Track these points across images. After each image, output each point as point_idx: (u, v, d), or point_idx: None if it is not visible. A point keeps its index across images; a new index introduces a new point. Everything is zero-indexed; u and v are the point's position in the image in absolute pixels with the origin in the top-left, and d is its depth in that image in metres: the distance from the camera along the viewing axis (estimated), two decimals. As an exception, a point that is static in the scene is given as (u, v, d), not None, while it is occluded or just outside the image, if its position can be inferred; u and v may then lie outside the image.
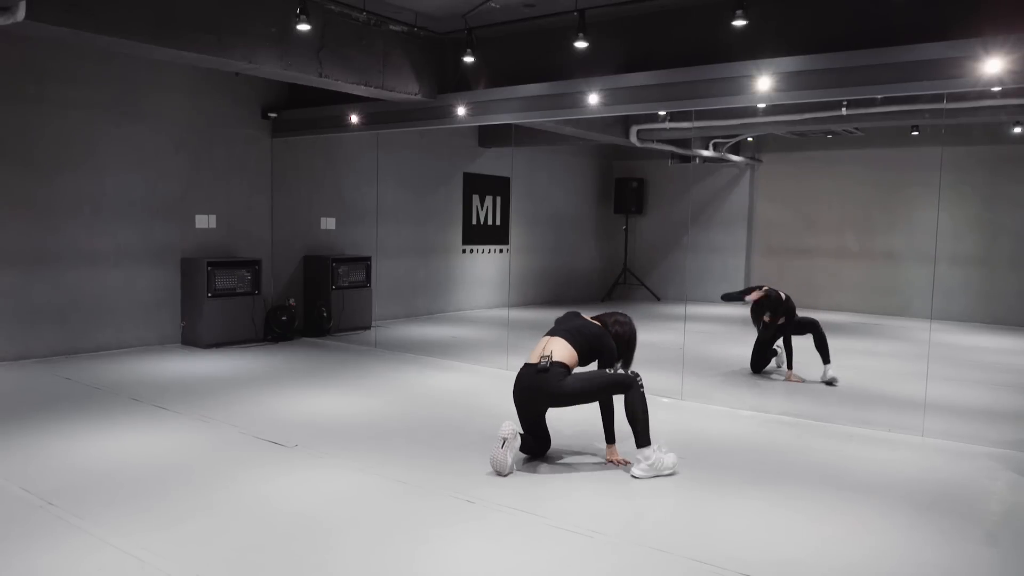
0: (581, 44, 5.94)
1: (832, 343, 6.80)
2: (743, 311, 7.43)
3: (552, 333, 4.42)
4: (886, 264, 11.68)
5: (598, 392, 4.23)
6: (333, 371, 7.02)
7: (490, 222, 11.95)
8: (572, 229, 13.68)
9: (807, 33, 5.46)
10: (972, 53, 4.74)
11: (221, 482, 3.97)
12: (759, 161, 12.87)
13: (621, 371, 4.33)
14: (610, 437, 4.37)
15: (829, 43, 5.28)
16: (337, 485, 4.00)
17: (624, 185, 13.96)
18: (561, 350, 4.27)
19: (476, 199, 11.66)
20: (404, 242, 10.45)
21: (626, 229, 14.05)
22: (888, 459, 4.64)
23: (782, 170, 12.71)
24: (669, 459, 4.21)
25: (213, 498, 3.75)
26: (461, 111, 7.29)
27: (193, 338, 8.01)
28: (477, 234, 11.70)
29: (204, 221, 8.27)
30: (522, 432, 4.30)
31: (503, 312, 10.63)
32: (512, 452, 4.14)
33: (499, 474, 4.11)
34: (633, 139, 10.32)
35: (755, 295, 6.95)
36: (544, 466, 4.34)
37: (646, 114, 9.60)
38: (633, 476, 4.14)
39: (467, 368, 7.29)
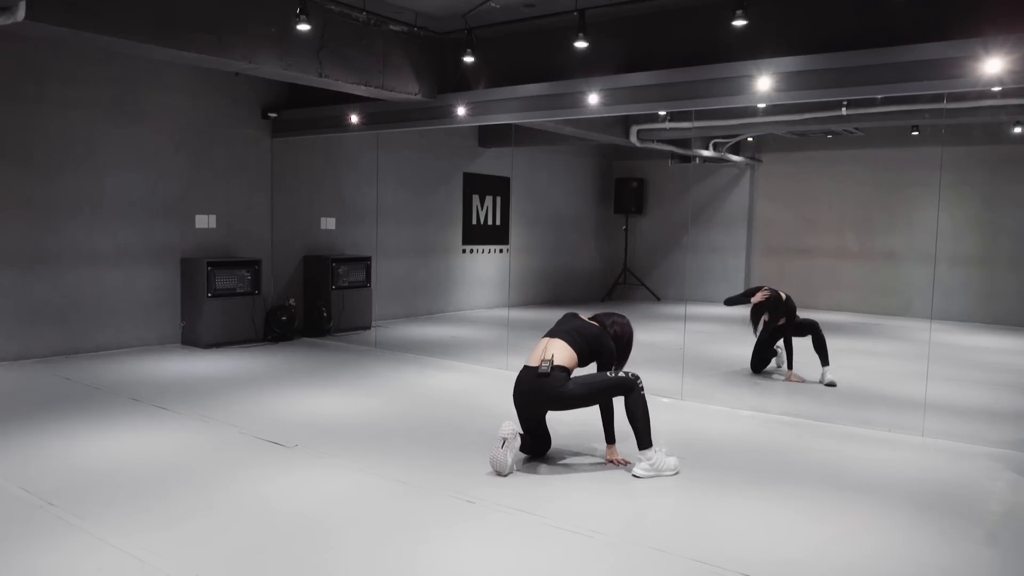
0: (581, 44, 5.94)
1: (832, 343, 6.80)
2: (743, 311, 7.42)
3: (551, 334, 4.42)
4: (886, 264, 11.68)
5: (599, 395, 4.23)
6: (333, 371, 7.02)
7: (490, 222, 11.95)
8: (572, 229, 13.68)
9: (807, 33, 5.46)
10: (972, 53, 4.74)
11: (221, 482, 3.97)
12: (759, 161, 12.87)
13: (620, 372, 4.33)
14: (610, 437, 4.37)
15: (829, 43, 5.28)
16: (337, 485, 4.00)
17: (624, 185, 13.97)
18: (561, 353, 4.26)
19: (476, 199, 11.66)
20: (404, 242, 10.46)
21: (626, 229, 14.05)
22: (888, 459, 4.64)
23: (782, 170, 12.71)
24: (671, 461, 4.22)
25: (213, 498, 3.75)
26: (461, 111, 7.29)
27: (193, 338, 8.01)
28: (477, 234, 11.70)
29: (204, 221, 8.27)
30: (522, 432, 4.31)
31: (503, 312, 10.64)
32: (512, 452, 4.14)
33: (499, 474, 4.11)
34: (633, 139, 10.32)
35: (759, 296, 6.95)
36: (544, 466, 4.34)
37: (646, 114, 9.60)
38: (634, 476, 4.14)
39: (467, 368, 7.29)
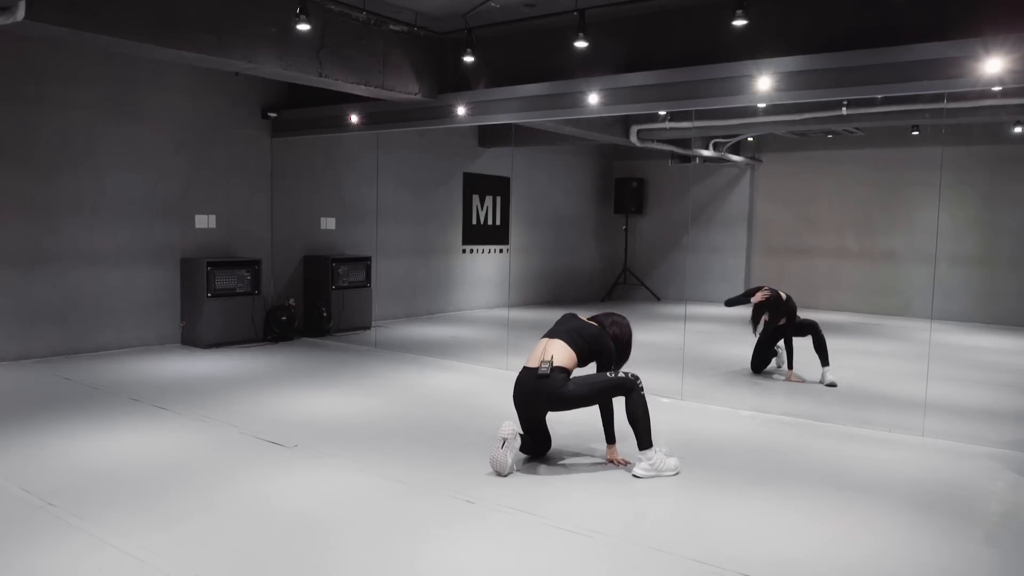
0: (581, 44, 5.94)
1: (832, 343, 6.80)
2: (743, 310, 7.43)
3: (550, 335, 4.42)
4: (886, 264, 11.68)
5: (599, 396, 4.23)
6: (333, 371, 7.02)
7: (490, 222, 11.95)
8: (572, 229, 13.68)
9: (807, 33, 5.46)
10: (972, 53, 4.74)
11: (221, 482, 3.97)
12: (759, 161, 12.87)
13: (620, 373, 4.32)
14: (610, 437, 4.37)
15: (829, 43, 5.28)
16: (337, 485, 4.00)
17: (624, 185, 13.96)
18: (561, 353, 4.26)
19: (476, 199, 11.66)
20: (404, 242, 10.45)
21: (626, 229, 14.05)
22: (888, 459, 4.64)
23: (782, 170, 12.71)
24: (671, 461, 4.22)
25: (213, 498, 3.75)
26: (461, 111, 7.29)
27: (193, 338, 8.01)
28: (477, 234, 11.70)
29: (204, 221, 8.27)
30: (522, 432, 4.31)
31: (503, 312, 10.64)
32: (512, 452, 4.14)
33: (499, 474, 4.11)
34: (633, 139, 10.32)
35: (759, 296, 6.95)
36: (544, 466, 4.34)
37: (646, 114, 9.60)
38: (635, 476, 4.14)
39: (467, 368, 7.29)
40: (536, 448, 4.43)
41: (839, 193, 12.17)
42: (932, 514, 3.74)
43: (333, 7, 6.54)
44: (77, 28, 5.17)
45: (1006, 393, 6.67)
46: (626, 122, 10.21)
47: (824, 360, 6.71)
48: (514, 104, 7.03)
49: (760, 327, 7.00)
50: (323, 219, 9.48)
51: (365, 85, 6.91)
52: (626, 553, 3.23)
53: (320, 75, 6.57)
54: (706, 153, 11.75)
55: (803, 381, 6.77)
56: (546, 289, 12.89)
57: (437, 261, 11.07)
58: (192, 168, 8.14)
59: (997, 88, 6.29)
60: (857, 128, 10.48)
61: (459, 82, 7.35)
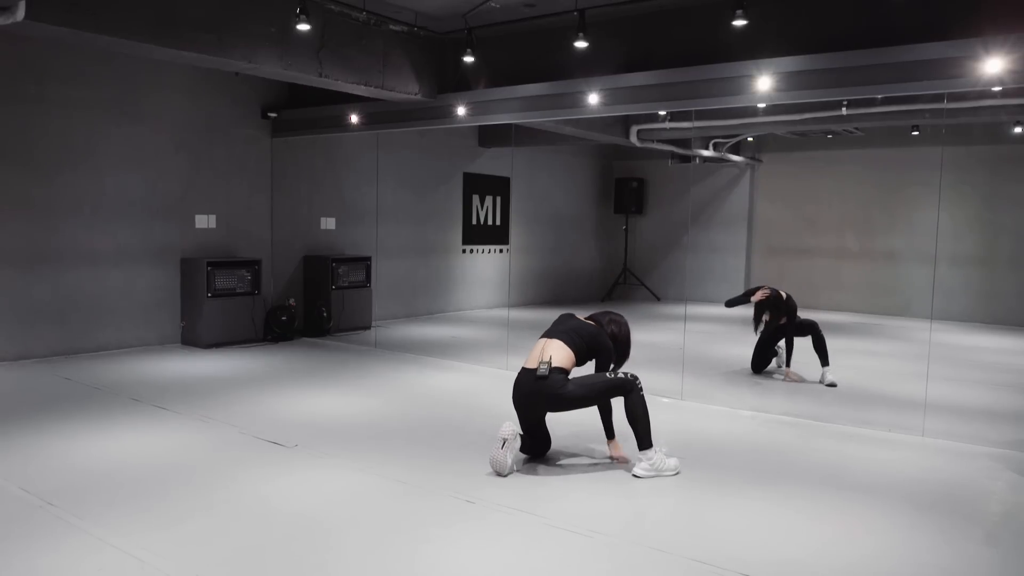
0: (581, 44, 5.93)
1: (832, 343, 6.80)
2: (743, 311, 7.43)
3: (548, 335, 4.42)
4: (886, 264, 11.68)
5: (599, 396, 4.23)
6: (333, 371, 7.02)
7: (490, 222, 11.95)
8: (572, 229, 13.68)
9: (807, 33, 5.46)
10: (972, 53, 4.74)
11: (221, 482, 3.97)
12: (759, 161, 12.87)
13: (620, 373, 4.32)
14: (610, 434, 4.38)
15: (829, 43, 5.28)
16: (337, 485, 4.00)
17: (624, 185, 13.96)
18: (559, 354, 4.26)
19: (476, 199, 11.66)
20: (404, 242, 10.45)
21: (626, 229, 14.05)
22: (888, 459, 4.64)
23: (782, 170, 12.71)
24: (671, 461, 4.22)
25: (213, 498, 3.75)
26: (461, 111, 7.29)
27: (193, 338, 8.01)
28: (477, 234, 11.70)
29: (204, 221, 8.27)
30: (522, 432, 4.31)
31: (503, 312, 10.64)
32: (512, 453, 4.14)
33: (499, 474, 4.11)
34: (633, 139, 10.32)
35: (759, 295, 6.95)
36: (544, 466, 4.34)
37: (646, 114, 9.60)
38: (635, 475, 4.14)
39: (467, 368, 7.29)
40: (536, 448, 4.43)
41: (839, 193, 12.17)
42: (932, 514, 3.74)
43: (333, 7, 6.54)
44: (77, 28, 5.17)
45: (1006, 393, 6.67)
46: (626, 122, 10.21)
47: (824, 360, 6.71)
48: (514, 104, 7.03)
49: (761, 326, 7.00)
50: (323, 219, 9.48)
51: (365, 85, 6.91)
52: (626, 553, 3.23)
53: (320, 75, 6.57)
54: (706, 153, 11.75)
55: (802, 380, 6.78)
56: (546, 289, 12.89)
57: (437, 261, 11.07)
58: (192, 168, 8.14)
59: (997, 88, 6.29)
60: (857, 128, 10.48)
61: (459, 82, 7.35)
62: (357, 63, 6.80)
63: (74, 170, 7.23)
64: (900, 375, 7.16)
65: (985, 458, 4.70)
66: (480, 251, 11.76)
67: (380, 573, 3.02)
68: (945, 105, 6.72)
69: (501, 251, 12.08)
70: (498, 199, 12.05)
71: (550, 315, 4.77)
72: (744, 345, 7.54)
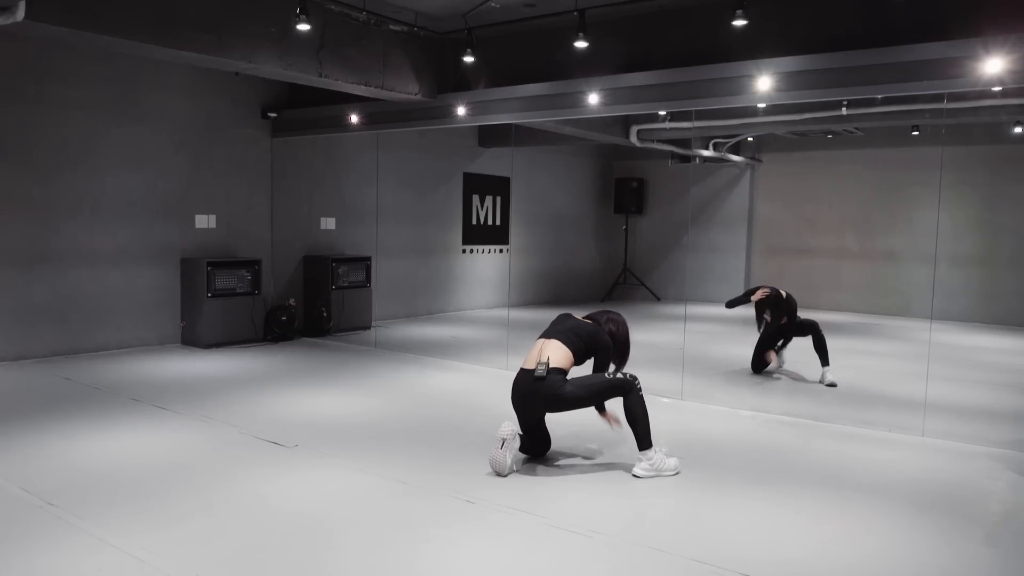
0: (581, 44, 5.93)
1: (832, 343, 6.80)
2: (743, 311, 7.43)
3: (546, 335, 4.42)
4: (886, 264, 11.68)
5: (597, 397, 4.23)
6: (333, 371, 7.02)
7: (490, 222, 11.95)
8: (572, 229, 13.68)
9: (807, 33, 5.46)
10: (972, 53, 4.74)
11: (221, 482, 3.97)
12: (759, 161, 12.87)
13: (617, 372, 4.32)
14: (601, 408, 4.35)
15: (829, 43, 5.28)
16: (337, 485, 4.00)
17: (624, 185, 13.96)
18: (557, 354, 4.26)
19: (476, 199, 11.66)
20: (404, 242, 10.45)
21: (626, 229, 14.05)
22: (888, 459, 4.64)
23: (782, 170, 12.71)
24: (671, 461, 4.22)
25: (213, 498, 3.75)
26: (461, 111, 7.29)
27: (193, 338, 8.01)
28: (477, 234, 11.70)
29: (204, 221, 8.27)
30: (521, 433, 4.31)
31: (503, 312, 10.64)
32: (512, 453, 4.14)
33: (499, 475, 4.11)
34: (633, 139, 10.32)
35: (759, 294, 6.96)
36: (544, 467, 4.34)
37: (646, 114, 9.60)
38: (635, 475, 4.14)
39: (467, 368, 7.29)
40: (536, 448, 4.43)
41: (839, 193, 12.17)
42: (932, 514, 3.74)
43: (333, 7, 6.54)
44: (77, 28, 5.17)
45: (1006, 393, 6.67)
46: (626, 122, 10.21)
47: (824, 360, 6.71)
48: (514, 104, 7.03)
49: (762, 325, 7.00)
50: (323, 219, 9.48)
51: (365, 85, 6.91)
52: (626, 553, 3.23)
53: (320, 75, 6.57)
54: (706, 153, 11.75)
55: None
56: (546, 289, 12.89)
57: (437, 261, 11.07)
58: (192, 168, 8.13)
59: (997, 88, 6.29)
60: (857, 128, 10.48)
61: (459, 82, 7.35)
62: (357, 63, 6.80)
63: (74, 170, 7.23)
64: (900, 375, 7.16)
65: (985, 458, 4.70)
66: (480, 251, 11.76)
67: (380, 573, 3.02)
68: (945, 105, 6.72)
69: (501, 251, 12.08)
70: (498, 199, 12.05)
71: (550, 315, 4.77)
72: (744, 345, 7.54)
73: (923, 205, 11.03)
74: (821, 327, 6.81)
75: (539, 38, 6.80)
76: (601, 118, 9.23)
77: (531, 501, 3.78)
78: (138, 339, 7.79)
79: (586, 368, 4.47)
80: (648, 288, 13.65)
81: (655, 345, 8.24)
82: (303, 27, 5.90)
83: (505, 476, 4.11)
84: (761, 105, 8.09)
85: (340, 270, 9.10)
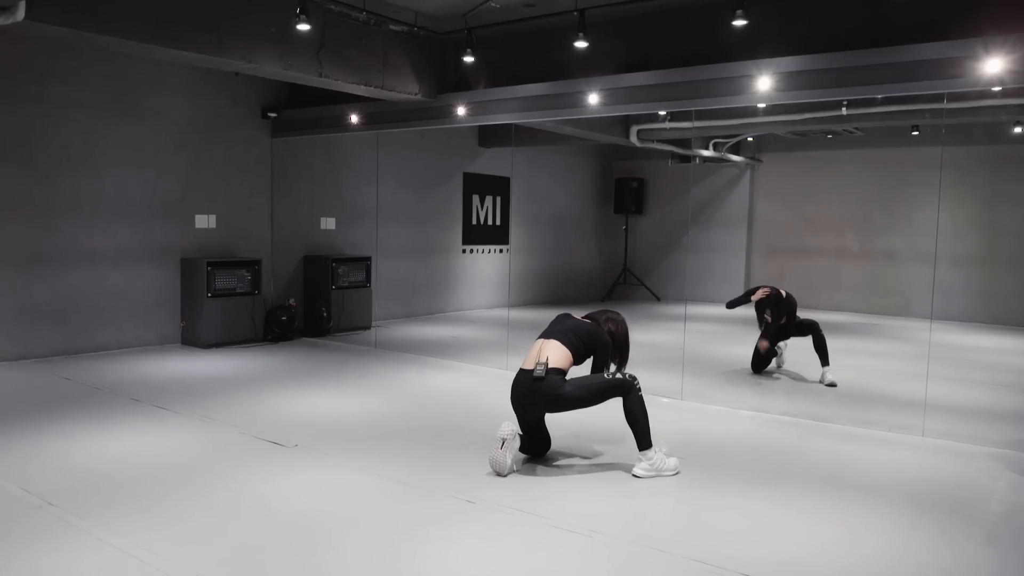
0: (581, 44, 5.93)
1: (832, 343, 6.80)
2: (744, 311, 7.43)
3: (545, 336, 4.42)
4: (886, 264, 11.68)
5: (596, 397, 4.22)
6: (333, 371, 7.02)
7: (490, 222, 11.95)
8: (572, 229, 13.68)
9: (807, 33, 5.46)
10: (972, 53, 4.74)
11: (221, 482, 3.97)
12: (759, 161, 12.87)
13: (617, 372, 4.32)
14: None
15: (829, 43, 5.28)
16: (337, 485, 4.00)
17: (624, 185, 13.96)
18: (556, 355, 4.25)
19: (476, 199, 11.66)
20: (404, 242, 10.45)
21: (626, 229, 14.05)
22: (888, 459, 4.64)
23: (782, 170, 12.71)
24: (671, 461, 4.22)
25: (213, 498, 3.75)
26: (461, 111, 7.29)
27: (193, 338, 8.01)
28: (477, 234, 11.70)
29: (204, 221, 8.27)
30: (521, 433, 4.31)
31: (503, 312, 10.64)
32: (511, 453, 4.14)
33: (499, 474, 4.11)
34: (633, 139, 10.32)
35: (759, 294, 6.96)
36: (543, 467, 4.34)
37: (646, 114, 9.60)
38: (635, 475, 4.14)
39: (467, 368, 7.29)
40: (535, 448, 4.43)
41: (839, 193, 12.17)
42: (932, 514, 3.74)
43: (333, 7, 6.54)
44: (77, 28, 5.17)
45: (1006, 393, 6.67)
46: (626, 122, 10.21)
47: (824, 360, 6.71)
48: (514, 104, 7.03)
49: (764, 324, 7.00)
50: (323, 219, 9.48)
51: (365, 85, 6.91)
52: (626, 553, 3.23)
53: (320, 75, 6.57)
54: (706, 153, 11.74)
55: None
56: (546, 289, 12.89)
57: (437, 261, 11.07)
58: (192, 168, 8.13)
59: (997, 88, 6.29)
60: (857, 128, 10.48)
61: (459, 82, 7.35)
62: (357, 63, 6.80)
63: (74, 170, 7.23)
64: (900, 375, 7.16)
65: (985, 458, 4.70)
66: (480, 251, 11.76)
67: (380, 573, 3.02)
68: (945, 105, 6.72)
69: (501, 251, 12.08)
70: (498, 199, 12.05)
71: (550, 315, 4.77)
72: (744, 345, 7.54)
73: (923, 205, 11.03)
74: (821, 327, 6.81)
75: (539, 38, 6.80)
76: (601, 118, 9.23)
77: (531, 501, 3.78)
78: (138, 339, 7.79)
79: (586, 368, 4.47)
80: (648, 288, 13.65)
81: (655, 345, 8.24)
82: (303, 27, 5.90)
83: (505, 476, 4.11)
84: (761, 105, 8.09)
85: (340, 270, 9.10)
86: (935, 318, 9.38)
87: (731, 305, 7.28)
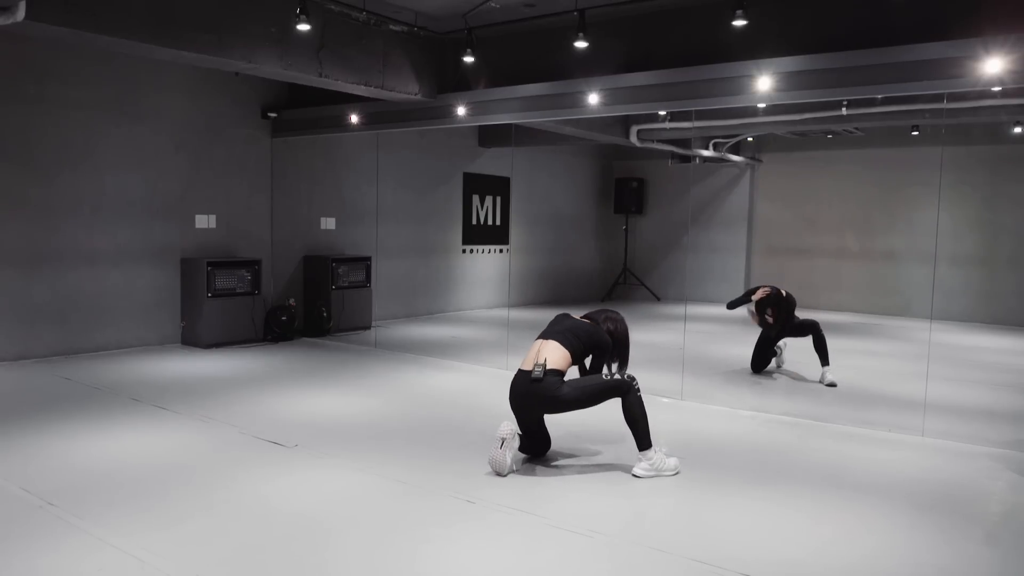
0: (581, 44, 5.93)
1: (832, 343, 6.80)
2: (743, 311, 7.42)
3: (544, 336, 4.41)
4: (886, 264, 11.68)
5: (595, 398, 4.21)
6: (333, 371, 7.02)
7: (490, 222, 11.95)
8: (572, 229, 13.68)
9: (807, 33, 5.46)
10: (972, 53, 4.74)
11: (221, 482, 3.97)
12: (759, 161, 12.86)
13: (616, 373, 4.32)
14: None
15: (829, 43, 5.28)
16: (337, 485, 4.00)
17: (624, 185, 13.96)
18: (554, 355, 4.25)
19: (476, 199, 11.66)
20: (404, 242, 10.45)
21: (626, 229, 14.05)
22: (888, 459, 4.64)
23: (782, 170, 12.71)
24: (671, 461, 4.22)
25: (213, 498, 3.75)
26: (461, 111, 7.29)
27: (193, 338, 8.01)
28: (477, 234, 11.70)
29: (204, 221, 8.27)
30: (520, 432, 4.31)
31: (503, 312, 10.64)
32: (511, 452, 4.14)
33: (498, 474, 4.11)
34: (633, 139, 10.31)
35: (759, 294, 6.96)
36: (543, 467, 4.34)
37: (646, 114, 9.59)
38: (635, 475, 4.14)
39: (467, 368, 7.29)
40: (535, 448, 4.43)
41: (839, 193, 12.17)
42: (932, 514, 3.74)
43: (333, 7, 6.54)
44: (77, 28, 5.17)
45: (1006, 393, 6.67)
46: (626, 122, 10.21)
47: (824, 360, 6.71)
48: (514, 104, 7.03)
49: (766, 322, 6.99)
50: (323, 219, 9.48)
51: (365, 85, 6.91)
52: (626, 553, 3.23)
53: (320, 75, 6.57)
54: (706, 153, 11.74)
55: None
56: (546, 289, 12.88)
57: (437, 261, 11.07)
58: (192, 168, 8.13)
59: (997, 88, 6.29)
60: (857, 128, 10.48)
61: (459, 82, 7.35)
62: (357, 63, 6.80)
63: (74, 170, 7.23)
64: (900, 375, 7.16)
65: (985, 458, 4.70)
66: (480, 251, 11.76)
67: (380, 573, 3.02)
68: (945, 105, 6.72)
69: (501, 251, 12.08)
70: (498, 199, 12.05)
71: (550, 315, 4.77)
72: (744, 345, 7.54)
73: (923, 205, 11.03)
74: (821, 327, 6.80)
75: (539, 38, 6.80)
76: (601, 118, 9.23)
77: (531, 501, 3.78)
78: (138, 339, 7.78)
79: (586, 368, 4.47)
80: (648, 288, 13.65)
81: (655, 345, 8.24)
82: (303, 27, 5.90)
83: (505, 476, 4.11)
84: (761, 105, 8.09)
85: (340, 270, 9.10)
86: (935, 318, 9.38)
87: (732, 306, 7.28)
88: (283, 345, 8.31)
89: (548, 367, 4.18)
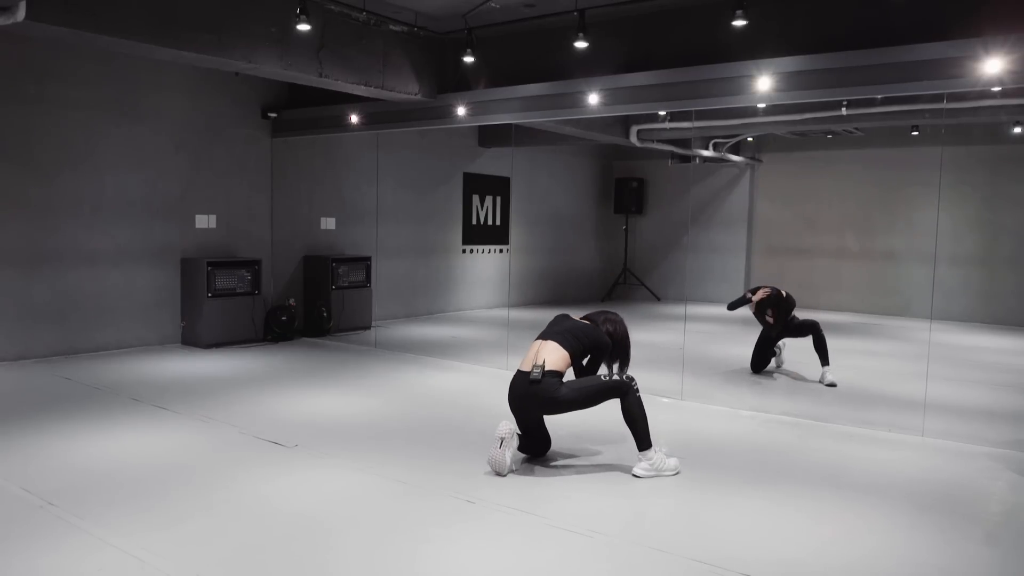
0: (581, 44, 5.93)
1: (832, 343, 6.80)
2: (744, 310, 7.42)
3: (543, 337, 4.41)
4: (886, 264, 11.68)
5: (594, 399, 4.20)
6: (333, 371, 7.02)
7: (490, 222, 11.95)
8: (572, 229, 13.68)
9: (807, 33, 5.46)
10: (972, 53, 4.74)
11: (221, 482, 3.97)
12: (759, 161, 12.87)
13: (616, 373, 4.32)
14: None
15: (829, 43, 5.28)
16: (337, 485, 4.00)
17: (624, 185, 13.96)
18: (553, 356, 4.25)
19: (476, 199, 11.66)
20: (404, 242, 10.45)
21: (626, 229, 14.05)
22: (888, 459, 4.64)
23: (782, 170, 12.71)
24: (671, 461, 4.22)
25: (213, 498, 3.75)
26: (461, 111, 7.29)
27: (193, 338, 8.01)
28: (477, 234, 11.70)
29: (204, 221, 8.27)
30: (519, 432, 4.30)
31: (503, 312, 10.64)
32: (510, 452, 4.14)
33: (498, 474, 4.11)
34: (633, 139, 10.32)
35: (760, 294, 6.96)
36: (543, 467, 4.34)
37: (646, 114, 9.60)
38: (635, 475, 4.14)
39: (467, 368, 7.29)
40: (535, 448, 4.42)
41: (839, 193, 12.17)
42: (932, 514, 3.74)
43: (333, 7, 6.54)
44: (77, 28, 5.17)
45: (1006, 393, 6.67)
46: (626, 122, 10.21)
47: (824, 360, 6.71)
48: (514, 104, 7.03)
49: (766, 322, 7.00)
50: (323, 219, 9.48)
51: (365, 85, 6.91)
52: (626, 553, 3.23)
53: (320, 75, 6.57)
54: (706, 153, 11.74)
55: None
56: (546, 289, 12.89)
57: (437, 261, 11.07)
58: (192, 168, 8.13)
59: (997, 88, 6.29)
60: (857, 128, 10.48)
61: (459, 82, 7.35)
62: (357, 63, 6.80)
63: (74, 170, 7.23)
64: (900, 375, 7.16)
65: (985, 458, 4.70)
66: (480, 251, 11.76)
67: (380, 573, 3.02)
68: (945, 105, 6.72)
69: (501, 251, 12.09)
70: (498, 199, 12.05)
71: (550, 315, 4.77)
72: (744, 345, 7.54)
73: (923, 205, 11.03)
74: (821, 327, 6.80)
75: (539, 38, 6.80)
76: (601, 118, 9.23)
77: (531, 501, 3.78)
78: (138, 339, 7.79)
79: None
80: (648, 288, 13.66)
81: (655, 345, 8.24)
82: (303, 27, 5.90)
83: (504, 475, 4.11)
84: (761, 105, 8.09)
85: (340, 270, 9.10)
86: (935, 318, 9.39)
87: (732, 307, 7.28)
88: (283, 345, 8.31)
89: (547, 368, 4.18)
